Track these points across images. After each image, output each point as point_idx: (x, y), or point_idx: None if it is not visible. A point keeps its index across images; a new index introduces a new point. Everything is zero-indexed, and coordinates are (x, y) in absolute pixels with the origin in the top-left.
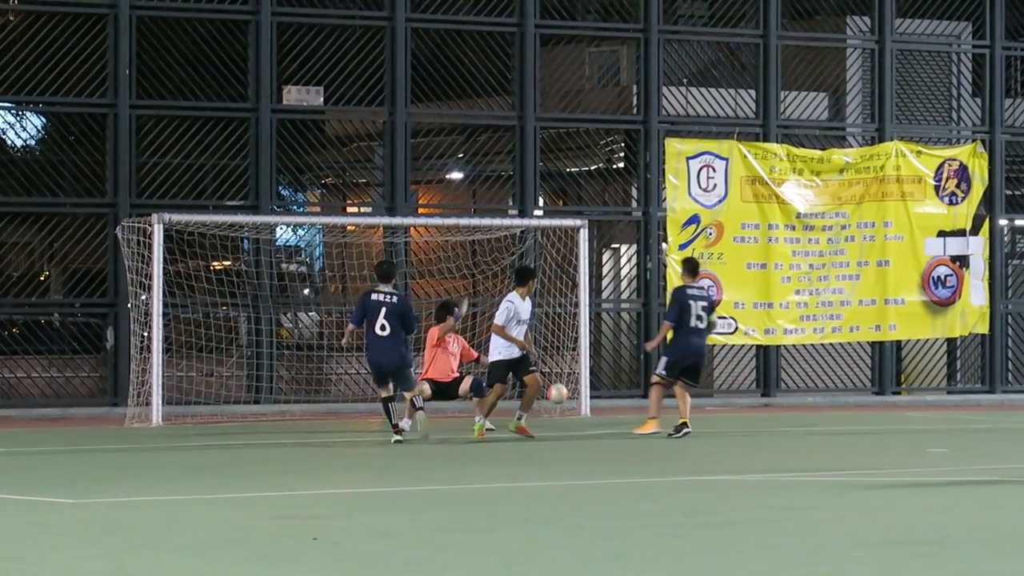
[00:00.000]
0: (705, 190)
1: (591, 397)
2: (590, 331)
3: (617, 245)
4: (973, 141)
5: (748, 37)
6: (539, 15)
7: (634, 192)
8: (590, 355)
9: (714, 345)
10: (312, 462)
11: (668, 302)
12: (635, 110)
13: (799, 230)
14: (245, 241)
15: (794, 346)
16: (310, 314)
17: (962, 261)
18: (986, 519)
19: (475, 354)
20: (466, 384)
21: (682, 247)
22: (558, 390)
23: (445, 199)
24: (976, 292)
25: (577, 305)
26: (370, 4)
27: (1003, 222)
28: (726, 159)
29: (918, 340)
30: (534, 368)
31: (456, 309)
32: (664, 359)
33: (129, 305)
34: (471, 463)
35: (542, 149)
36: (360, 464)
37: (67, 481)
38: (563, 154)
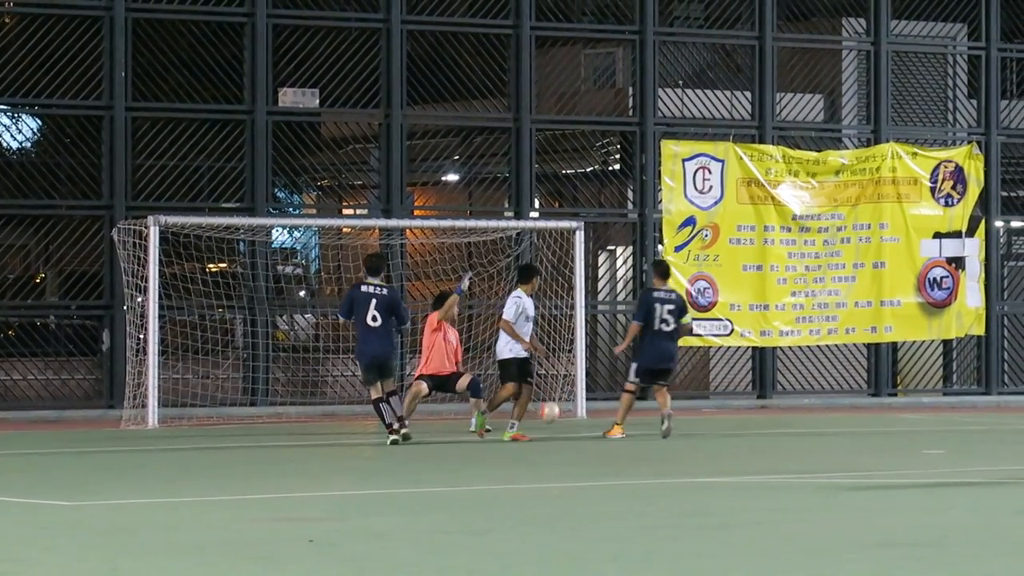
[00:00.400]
0: (701, 192)
1: (587, 399)
2: (586, 333)
3: (613, 247)
4: (969, 143)
5: (744, 39)
6: (535, 17)
7: (630, 194)
8: (586, 357)
9: (710, 347)
10: (308, 464)
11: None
12: (631, 112)
13: (795, 232)
14: (241, 243)
15: (790, 348)
16: (306, 316)
17: (958, 263)
18: (982, 520)
19: (458, 360)
20: (464, 382)
21: (678, 249)
22: (551, 409)
23: (441, 201)
24: (972, 294)
25: (573, 307)
26: (366, 6)
27: (999, 224)
28: (722, 161)
29: (914, 342)
30: (531, 379)
31: (458, 285)
32: (634, 366)
33: (125, 307)
34: (467, 465)
35: (538, 151)
36: (356, 466)
37: (63, 483)
38: (559, 156)
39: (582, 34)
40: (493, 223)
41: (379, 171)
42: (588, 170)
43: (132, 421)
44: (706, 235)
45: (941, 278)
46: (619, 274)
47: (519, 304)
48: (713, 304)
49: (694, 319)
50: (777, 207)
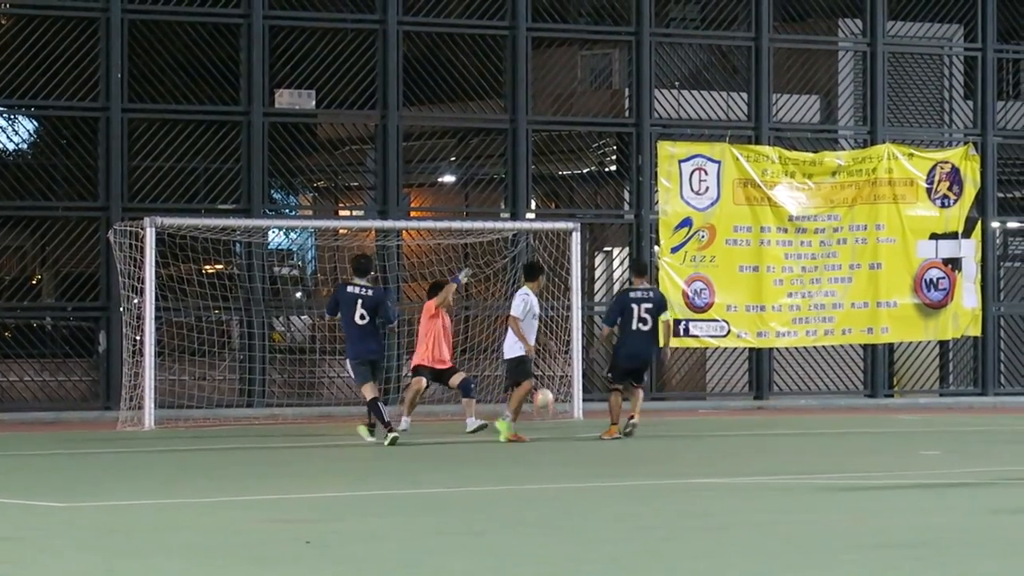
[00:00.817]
0: (697, 193)
1: (583, 400)
2: (582, 334)
3: (609, 248)
4: (965, 144)
5: (740, 40)
6: (531, 18)
7: (626, 195)
8: (583, 358)
9: (706, 348)
10: (305, 465)
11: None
12: (627, 113)
13: (791, 233)
14: (237, 245)
15: (786, 349)
16: (302, 317)
17: (954, 264)
18: (979, 521)
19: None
20: (456, 379)
21: (674, 250)
22: (544, 395)
23: (437, 202)
24: (968, 294)
25: (569, 308)
26: (362, 7)
27: (995, 224)
28: (718, 162)
29: (910, 343)
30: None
31: (456, 275)
32: (612, 362)
33: (121, 309)
34: (464, 466)
35: (534, 152)
36: (353, 467)
37: (59, 484)
38: (555, 157)
39: (578, 35)
40: (489, 224)
41: (375, 172)
42: (584, 171)
43: (128, 422)
44: (703, 236)
45: (937, 279)
46: (615, 275)
47: (527, 301)
48: (710, 305)
49: (690, 320)
50: (773, 208)
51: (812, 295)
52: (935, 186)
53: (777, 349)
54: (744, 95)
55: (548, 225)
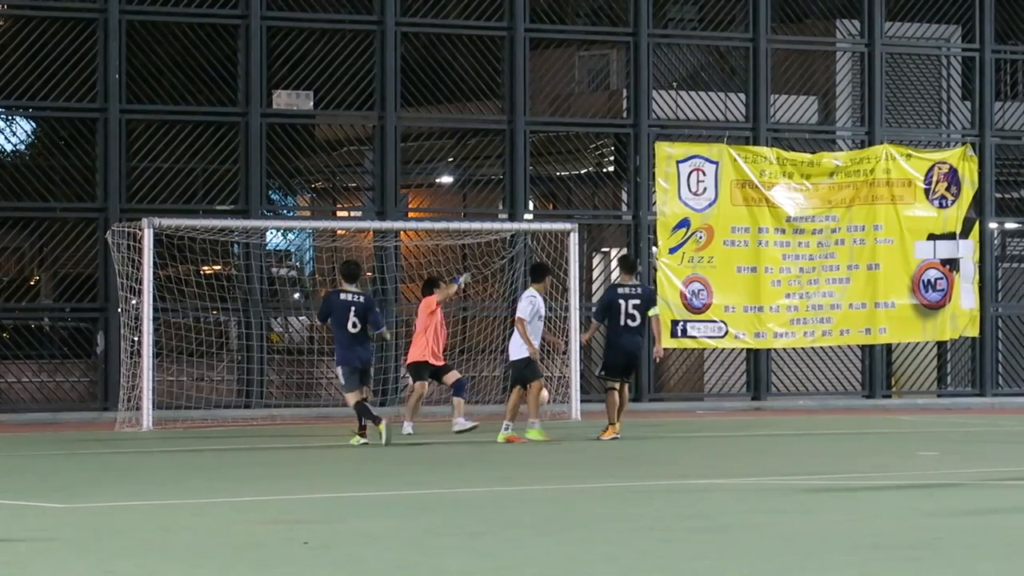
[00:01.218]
0: (695, 194)
1: (581, 401)
2: (583, 337)
3: (607, 249)
4: (963, 144)
5: (738, 41)
6: (529, 19)
7: (624, 196)
8: (580, 359)
9: (704, 349)
10: (302, 466)
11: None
12: (625, 114)
13: (789, 234)
14: (235, 245)
15: (784, 350)
16: (300, 318)
17: (952, 264)
18: (976, 522)
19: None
20: (451, 378)
21: (672, 251)
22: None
23: (435, 203)
24: (966, 295)
25: (567, 309)
26: (360, 8)
27: (993, 225)
28: (716, 163)
29: (908, 343)
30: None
31: (457, 276)
32: (603, 360)
33: (119, 309)
34: (462, 467)
35: (532, 153)
36: (350, 468)
37: (57, 485)
38: (553, 158)
39: (576, 36)
40: (487, 225)
41: (373, 173)
42: (582, 172)
43: (126, 423)
44: (700, 237)
45: (935, 280)
46: (613, 276)
47: (534, 303)
48: (707, 306)
49: (688, 321)
50: (771, 209)
51: (810, 296)
52: (933, 187)
53: (775, 350)
54: (742, 96)
55: (546, 226)
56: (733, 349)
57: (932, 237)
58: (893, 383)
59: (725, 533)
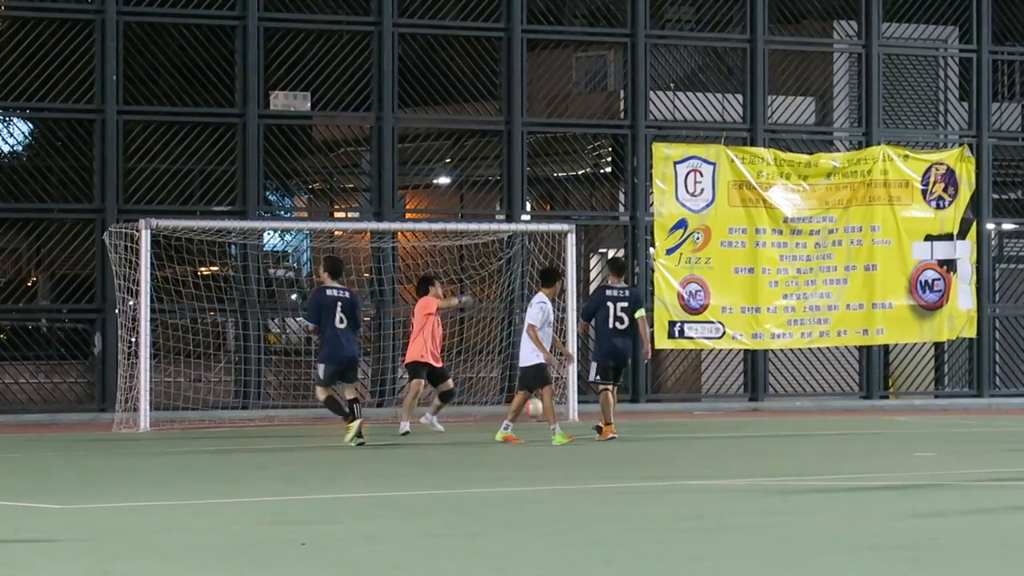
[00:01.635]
0: (692, 195)
1: (579, 402)
2: (578, 336)
3: (605, 250)
4: (960, 145)
5: (735, 42)
6: (526, 20)
7: (621, 197)
8: (577, 360)
9: (701, 350)
10: (300, 467)
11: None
12: (622, 115)
13: (786, 234)
14: (232, 246)
15: (782, 350)
16: (298, 319)
17: (949, 265)
18: (973, 523)
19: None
20: (444, 387)
21: (669, 252)
22: (535, 406)
23: (432, 204)
24: (964, 296)
25: (564, 310)
26: (357, 9)
27: (990, 226)
28: (713, 164)
29: (906, 344)
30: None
31: (462, 296)
32: (594, 365)
33: (117, 311)
34: (459, 468)
35: (529, 154)
36: (348, 469)
37: (54, 486)
38: (550, 159)
39: (573, 37)
40: (485, 226)
41: (371, 174)
42: (579, 173)
43: (124, 424)
44: (697, 238)
45: (933, 280)
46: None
47: (544, 309)
48: (705, 307)
49: (685, 322)
50: (768, 210)
51: (807, 297)
52: (930, 188)
53: (772, 351)
54: (739, 97)
55: (543, 227)
56: (730, 350)
57: (929, 238)
58: (890, 384)
59: (722, 534)
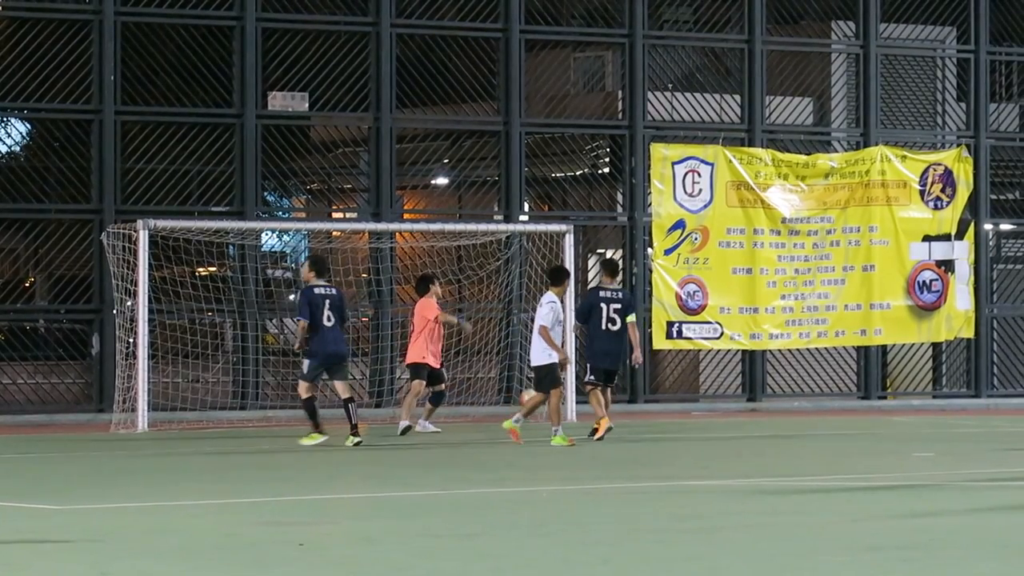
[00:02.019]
0: (690, 195)
1: (576, 402)
2: (576, 336)
3: (603, 250)
4: (958, 146)
5: (733, 42)
6: (524, 20)
7: (619, 197)
8: (575, 360)
9: (700, 350)
10: (298, 468)
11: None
12: (620, 115)
13: (784, 235)
14: (230, 247)
15: (780, 351)
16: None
17: (947, 266)
18: (971, 523)
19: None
20: (439, 387)
21: (667, 252)
22: (530, 395)
23: (431, 204)
24: (962, 296)
25: (563, 311)
26: (355, 10)
27: (988, 226)
28: (711, 164)
29: (904, 344)
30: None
31: (461, 319)
32: (588, 366)
33: (114, 311)
34: (457, 468)
35: (527, 154)
36: (346, 470)
37: (52, 487)
38: (548, 159)
39: (571, 37)
40: (483, 226)
41: (369, 174)
42: (578, 173)
43: (121, 425)
44: (695, 238)
45: (930, 281)
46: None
47: (555, 309)
48: (703, 307)
49: (683, 322)
50: (766, 210)
51: (805, 297)
52: (928, 188)
53: (770, 351)
54: (737, 97)
55: (541, 227)
56: (728, 350)
57: (927, 238)
58: (888, 384)
59: (720, 534)
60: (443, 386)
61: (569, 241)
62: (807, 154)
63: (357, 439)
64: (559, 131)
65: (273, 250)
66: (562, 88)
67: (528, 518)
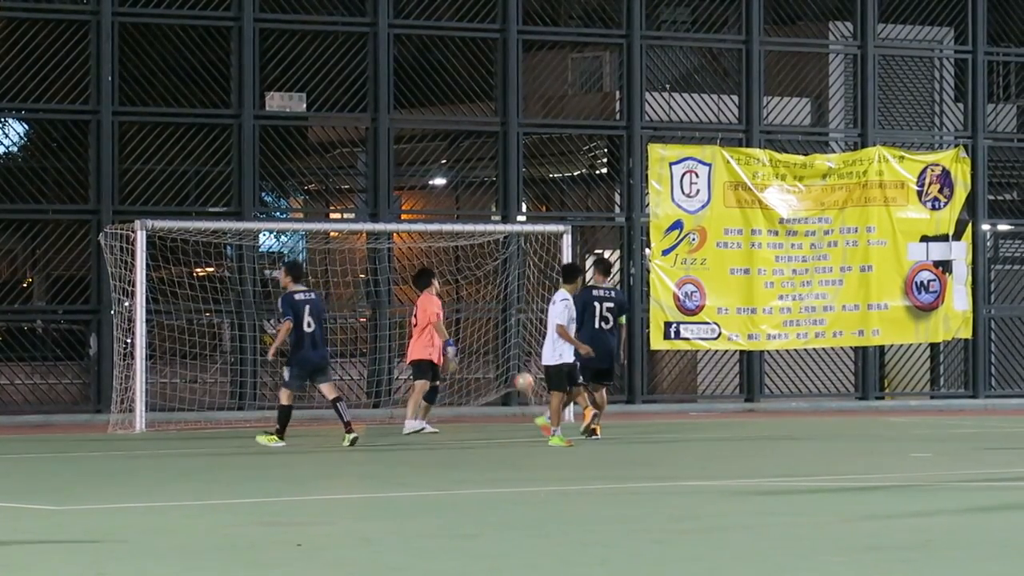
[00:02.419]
0: (688, 196)
1: (573, 403)
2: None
3: (600, 251)
4: (956, 146)
5: (731, 43)
6: (522, 21)
7: (617, 198)
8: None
9: (697, 350)
10: (296, 468)
11: None
12: (618, 116)
13: (782, 235)
14: (228, 247)
15: (777, 351)
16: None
17: (945, 266)
18: (969, 523)
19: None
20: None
21: (665, 252)
22: (524, 379)
23: (428, 205)
24: (959, 297)
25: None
26: (353, 10)
27: (986, 227)
28: (709, 164)
29: (901, 345)
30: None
31: (453, 348)
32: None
33: (112, 312)
34: (455, 469)
35: (525, 155)
36: (344, 470)
37: (50, 488)
38: (546, 160)
39: (569, 38)
40: (480, 227)
41: (366, 175)
42: (575, 174)
43: (119, 425)
44: (693, 239)
45: (928, 281)
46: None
47: (568, 307)
48: (700, 308)
49: (681, 322)
50: (764, 211)
51: (803, 297)
52: (926, 188)
53: (768, 351)
54: (735, 98)
55: (539, 228)
56: (726, 351)
57: (925, 239)
58: (886, 385)
59: (718, 535)
60: (438, 383)
61: (567, 241)
62: (805, 155)
63: (353, 435)
64: (557, 131)
65: (271, 250)
66: (560, 88)
67: (526, 519)
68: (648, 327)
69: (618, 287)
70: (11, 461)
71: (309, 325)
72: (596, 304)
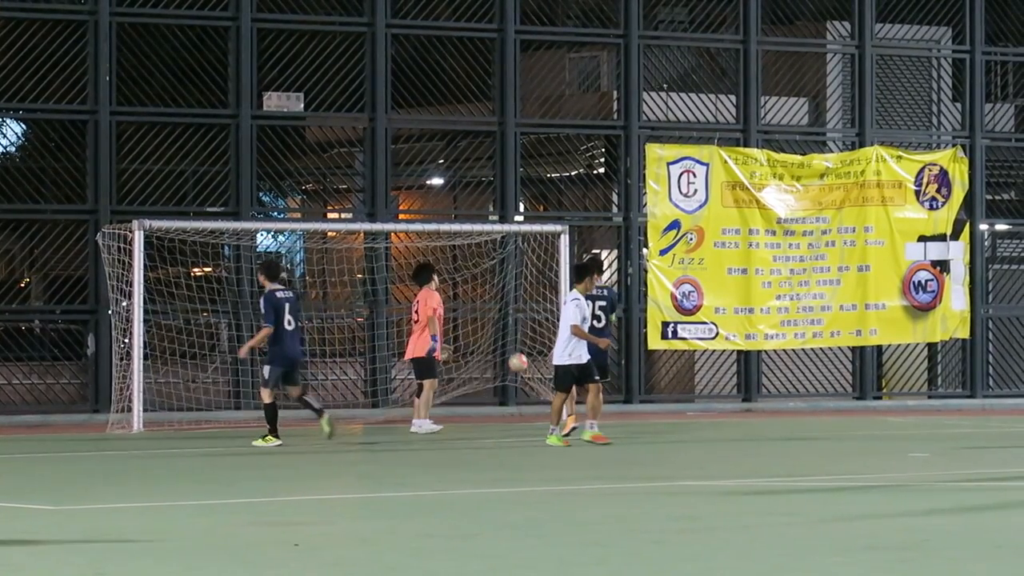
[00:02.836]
0: (686, 195)
1: (576, 402)
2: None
3: (598, 250)
4: (953, 146)
5: (728, 42)
6: (519, 21)
7: (615, 197)
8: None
9: (695, 350)
10: (293, 468)
11: None
12: (615, 115)
13: (780, 235)
14: (226, 247)
15: (775, 351)
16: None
17: (943, 266)
18: (966, 523)
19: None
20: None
21: (663, 252)
22: (517, 361)
23: (426, 205)
24: (957, 297)
25: (558, 310)
26: (350, 10)
27: (983, 227)
28: (707, 164)
29: (899, 345)
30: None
31: (446, 357)
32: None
33: (110, 312)
34: (453, 469)
35: (522, 155)
36: (342, 470)
37: (48, 487)
38: (544, 160)
39: (567, 38)
40: (478, 227)
41: (364, 175)
42: (573, 174)
43: (117, 425)
44: (691, 238)
45: (926, 281)
46: (604, 278)
47: (580, 306)
48: (698, 307)
49: (679, 322)
50: (762, 210)
51: (800, 297)
52: (923, 188)
53: (765, 351)
54: (732, 98)
55: (536, 227)
56: (724, 350)
57: (922, 239)
58: (884, 385)
59: (715, 535)
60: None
61: (564, 242)
62: (802, 154)
63: (326, 417)
64: (554, 131)
65: (268, 250)
66: (557, 88)
67: (524, 518)
68: (646, 327)
69: (610, 285)
70: (9, 461)
71: (290, 323)
72: (588, 303)
